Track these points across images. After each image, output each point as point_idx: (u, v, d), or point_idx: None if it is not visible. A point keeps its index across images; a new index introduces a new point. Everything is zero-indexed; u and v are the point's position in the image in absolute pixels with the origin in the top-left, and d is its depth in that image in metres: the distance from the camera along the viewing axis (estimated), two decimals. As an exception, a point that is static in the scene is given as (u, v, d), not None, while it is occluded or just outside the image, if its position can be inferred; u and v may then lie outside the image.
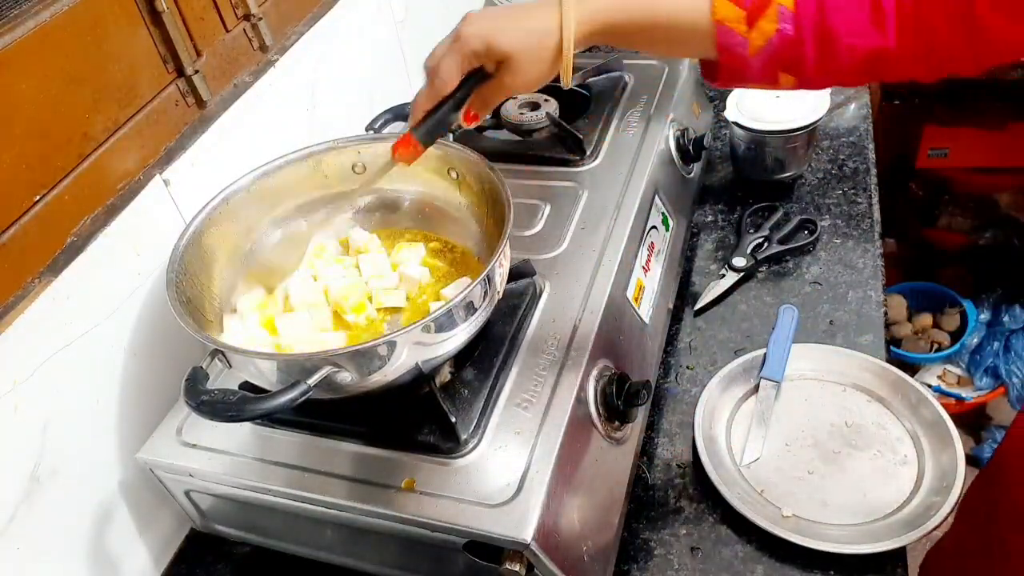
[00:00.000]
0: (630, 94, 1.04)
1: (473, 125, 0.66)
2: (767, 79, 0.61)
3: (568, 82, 0.63)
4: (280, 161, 0.77)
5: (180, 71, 0.77)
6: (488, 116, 0.84)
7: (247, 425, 0.70)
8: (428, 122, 0.63)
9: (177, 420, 0.72)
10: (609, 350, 0.73)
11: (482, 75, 0.62)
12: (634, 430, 0.74)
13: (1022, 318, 1.88)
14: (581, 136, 0.93)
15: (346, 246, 0.81)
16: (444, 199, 0.80)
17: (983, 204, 1.94)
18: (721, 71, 0.61)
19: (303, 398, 0.55)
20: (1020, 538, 0.77)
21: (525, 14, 0.61)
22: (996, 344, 1.88)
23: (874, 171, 1.09)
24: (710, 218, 1.07)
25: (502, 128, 0.99)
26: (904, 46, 0.57)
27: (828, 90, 1.04)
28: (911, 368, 1.93)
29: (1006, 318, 1.90)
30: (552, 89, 1.02)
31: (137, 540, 0.75)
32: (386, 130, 0.87)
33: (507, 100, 0.98)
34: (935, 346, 1.94)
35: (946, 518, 0.70)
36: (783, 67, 0.59)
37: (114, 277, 0.70)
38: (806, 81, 0.61)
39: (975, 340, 1.91)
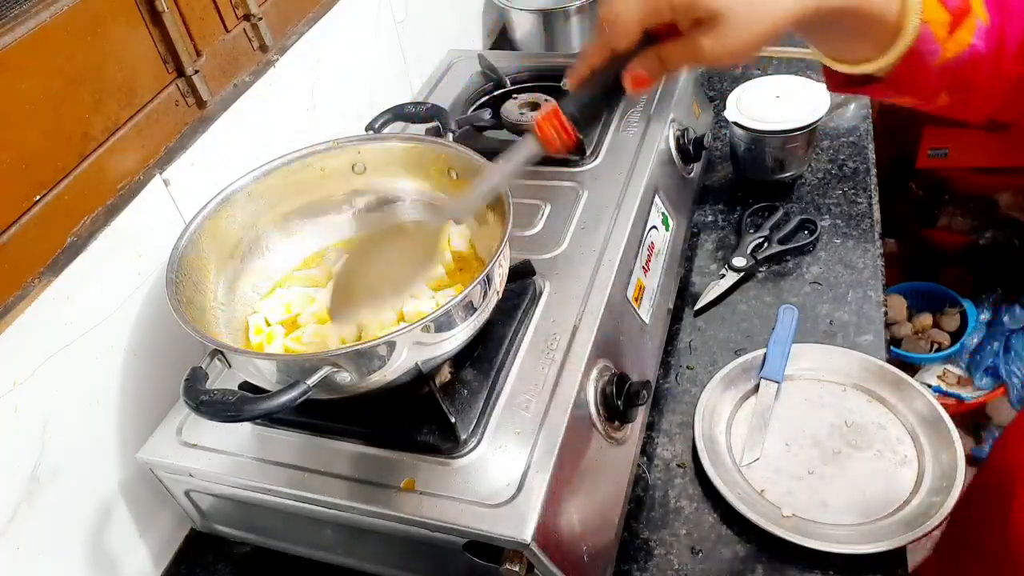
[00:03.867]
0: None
1: (641, 92, 0.51)
2: (929, 95, 0.54)
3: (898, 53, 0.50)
4: (280, 161, 0.77)
5: (180, 71, 0.77)
6: (657, 81, 0.53)
7: (247, 425, 0.70)
8: (582, 93, 0.49)
9: (177, 420, 0.72)
10: (609, 350, 0.73)
11: (665, 34, 0.47)
12: (634, 430, 0.74)
13: (1022, 318, 1.89)
14: (581, 136, 0.93)
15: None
16: (444, 199, 0.80)
17: (983, 204, 1.94)
18: (891, 78, 0.52)
19: (303, 398, 0.55)
20: (1014, 539, 0.77)
21: None
22: (996, 344, 1.88)
23: (874, 171, 1.09)
24: (710, 218, 1.07)
25: (502, 128, 0.98)
26: None
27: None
28: (911, 368, 1.93)
29: (1006, 318, 1.90)
30: (552, 89, 1.02)
31: (137, 540, 0.75)
32: (386, 130, 0.87)
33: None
34: (935, 346, 1.94)
35: (946, 518, 0.70)
36: (952, 86, 0.53)
37: (114, 277, 0.70)
38: (962, 105, 0.54)
39: (975, 340, 1.91)
